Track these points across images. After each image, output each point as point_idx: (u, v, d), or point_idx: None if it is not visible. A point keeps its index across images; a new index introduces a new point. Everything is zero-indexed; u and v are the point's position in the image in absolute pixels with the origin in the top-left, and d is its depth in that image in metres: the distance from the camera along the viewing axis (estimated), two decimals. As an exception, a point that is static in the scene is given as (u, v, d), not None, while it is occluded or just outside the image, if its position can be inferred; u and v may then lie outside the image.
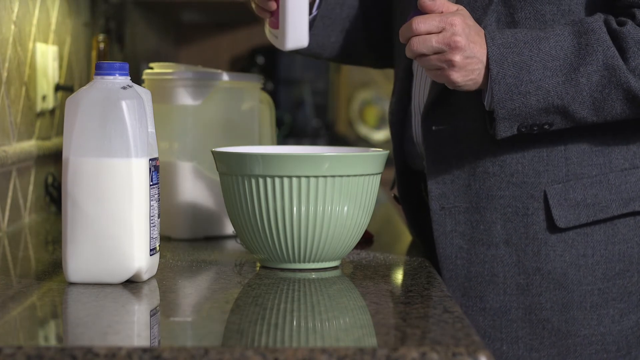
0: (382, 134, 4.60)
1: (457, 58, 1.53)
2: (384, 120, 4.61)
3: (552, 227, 1.63)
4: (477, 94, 1.62)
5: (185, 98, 1.87)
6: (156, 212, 1.46)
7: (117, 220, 1.41)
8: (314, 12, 1.82)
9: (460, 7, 1.57)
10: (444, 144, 1.66)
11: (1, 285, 1.44)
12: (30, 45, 2.15)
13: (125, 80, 1.44)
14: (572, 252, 1.63)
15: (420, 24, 1.53)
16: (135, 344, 1.12)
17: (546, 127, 1.59)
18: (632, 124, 1.64)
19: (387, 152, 1.59)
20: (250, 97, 1.95)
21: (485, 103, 1.58)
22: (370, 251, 1.75)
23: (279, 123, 4.13)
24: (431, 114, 1.67)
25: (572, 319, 1.63)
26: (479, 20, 1.60)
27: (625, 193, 1.63)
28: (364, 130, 4.65)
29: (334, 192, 1.51)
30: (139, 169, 1.42)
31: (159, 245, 1.49)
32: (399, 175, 1.82)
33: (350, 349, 1.09)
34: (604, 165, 1.64)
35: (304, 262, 1.55)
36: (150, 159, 1.44)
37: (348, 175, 1.52)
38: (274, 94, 4.24)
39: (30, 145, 2.12)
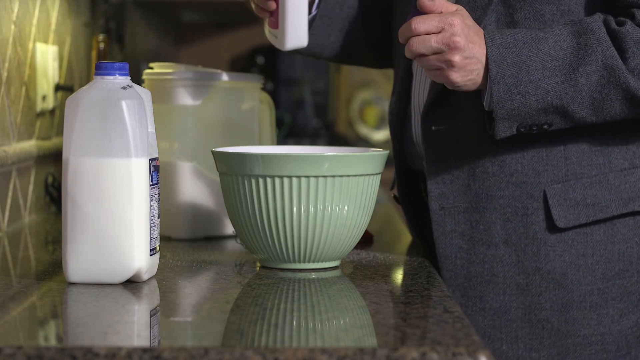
0: (382, 134, 4.60)
1: (456, 58, 1.53)
2: (384, 120, 4.61)
3: (552, 227, 1.63)
4: (476, 94, 1.62)
5: (185, 98, 1.87)
6: (156, 212, 1.46)
7: (117, 220, 1.41)
8: (314, 11, 1.82)
9: (460, 7, 1.57)
10: (443, 144, 1.67)
11: (1, 285, 1.44)
12: (30, 45, 2.15)
13: (125, 80, 1.44)
14: (571, 252, 1.63)
15: (420, 24, 1.53)
16: (135, 344, 1.13)
17: (545, 127, 1.59)
18: (632, 124, 1.64)
19: (387, 152, 1.59)
20: (250, 97, 1.95)
21: (484, 103, 1.58)
22: (370, 251, 1.75)
23: (279, 123, 4.13)
24: (431, 114, 1.67)
25: (572, 319, 1.63)
26: (478, 21, 1.60)
27: (624, 193, 1.64)
28: (364, 130, 4.65)
29: (334, 192, 1.51)
30: (139, 169, 1.42)
31: (159, 245, 1.49)
32: (398, 175, 1.82)
33: (350, 349, 1.09)
34: (604, 165, 1.64)
35: (304, 262, 1.55)
36: (150, 159, 1.44)
37: (348, 175, 1.52)
38: (274, 94, 4.24)
39: (30, 145, 2.12)
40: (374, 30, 1.89)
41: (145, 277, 1.44)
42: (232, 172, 1.54)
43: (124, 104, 1.40)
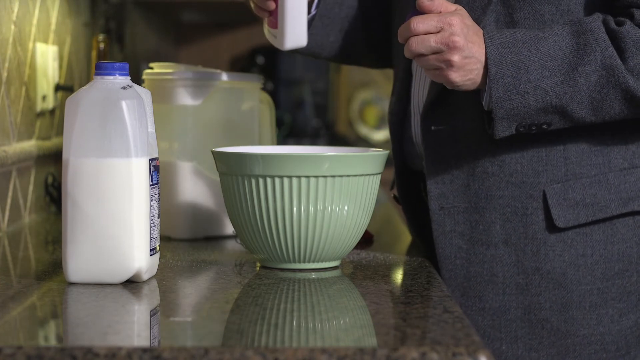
0: (382, 134, 4.60)
1: (456, 58, 1.53)
2: (384, 120, 4.61)
3: (551, 226, 1.63)
4: (475, 94, 1.62)
5: (185, 98, 1.87)
6: (156, 212, 1.47)
7: (117, 220, 1.41)
8: (313, 11, 1.82)
9: (459, 7, 1.57)
10: (443, 144, 1.67)
11: (1, 285, 1.44)
12: (30, 45, 2.15)
13: (125, 80, 1.44)
14: (571, 252, 1.63)
15: (419, 24, 1.53)
16: (135, 344, 1.13)
17: (544, 127, 1.59)
18: (631, 124, 1.64)
19: (387, 152, 1.59)
20: (250, 97, 1.95)
21: (483, 103, 1.58)
22: (370, 251, 1.75)
23: (279, 123, 4.13)
24: (430, 114, 1.67)
25: (571, 319, 1.63)
26: (477, 20, 1.61)
27: (624, 193, 1.64)
28: (364, 130, 4.65)
29: (334, 192, 1.51)
30: (139, 169, 1.42)
31: (159, 245, 1.49)
32: (398, 175, 1.82)
33: (350, 349, 1.09)
34: (603, 165, 1.64)
35: (304, 262, 1.55)
36: (150, 159, 1.44)
37: (348, 175, 1.52)
38: (274, 94, 4.24)
39: (30, 145, 2.13)
40: (373, 30, 1.89)
41: (145, 277, 1.44)
42: (232, 172, 1.54)
43: (124, 104, 1.41)
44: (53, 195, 2.28)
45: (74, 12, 2.54)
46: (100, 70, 1.43)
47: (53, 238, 1.94)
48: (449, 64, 1.53)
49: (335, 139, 4.36)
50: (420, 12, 1.55)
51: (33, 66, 2.17)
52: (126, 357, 1.08)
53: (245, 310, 1.31)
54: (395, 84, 1.82)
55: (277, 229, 1.52)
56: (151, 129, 1.46)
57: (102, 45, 2.34)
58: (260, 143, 1.97)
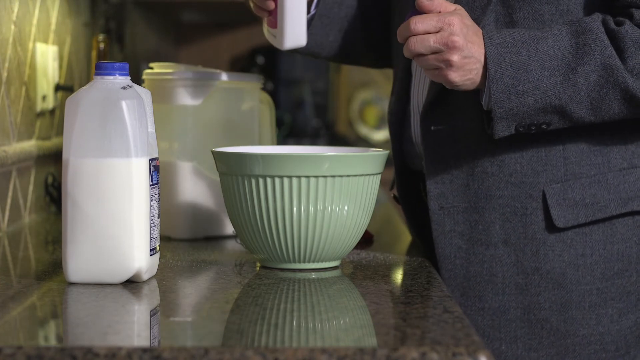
0: (382, 134, 4.60)
1: (455, 58, 1.53)
2: (383, 120, 4.61)
3: (551, 226, 1.63)
4: (475, 94, 1.62)
5: (185, 98, 1.87)
6: (156, 212, 1.47)
7: (117, 220, 1.41)
8: (312, 11, 1.82)
9: (458, 6, 1.57)
10: (442, 144, 1.67)
11: (1, 285, 1.44)
12: (30, 45, 2.15)
13: (125, 80, 1.44)
14: (570, 252, 1.63)
15: (418, 23, 1.53)
16: (135, 344, 1.13)
17: (544, 126, 1.59)
18: (630, 124, 1.64)
19: (387, 152, 1.59)
20: (250, 97, 1.95)
21: (483, 103, 1.58)
22: (370, 251, 1.75)
23: (279, 123, 4.13)
24: (430, 114, 1.67)
25: (571, 319, 1.63)
26: (477, 20, 1.61)
27: (623, 193, 1.64)
28: (364, 130, 4.65)
29: (334, 192, 1.51)
30: (139, 169, 1.42)
31: (159, 245, 1.49)
32: (398, 175, 1.82)
33: (350, 349, 1.09)
34: (603, 165, 1.64)
35: (304, 262, 1.55)
36: (150, 159, 1.44)
37: (348, 175, 1.52)
38: (274, 94, 4.24)
39: (30, 145, 2.13)
40: (372, 30, 1.89)
41: (145, 277, 1.44)
42: (232, 172, 1.54)
43: (124, 104, 1.41)
44: (53, 195, 2.28)
45: (74, 12, 2.54)
46: (100, 70, 1.43)
47: (53, 238, 1.94)
48: (449, 64, 1.53)
49: (335, 139, 4.36)
50: (419, 11, 1.55)
51: (33, 66, 2.17)
52: (126, 357, 1.09)
53: (245, 310, 1.32)
54: (394, 84, 1.82)
55: (277, 229, 1.52)
56: (151, 129, 1.46)
57: (102, 45, 2.34)
58: (260, 143, 1.97)
